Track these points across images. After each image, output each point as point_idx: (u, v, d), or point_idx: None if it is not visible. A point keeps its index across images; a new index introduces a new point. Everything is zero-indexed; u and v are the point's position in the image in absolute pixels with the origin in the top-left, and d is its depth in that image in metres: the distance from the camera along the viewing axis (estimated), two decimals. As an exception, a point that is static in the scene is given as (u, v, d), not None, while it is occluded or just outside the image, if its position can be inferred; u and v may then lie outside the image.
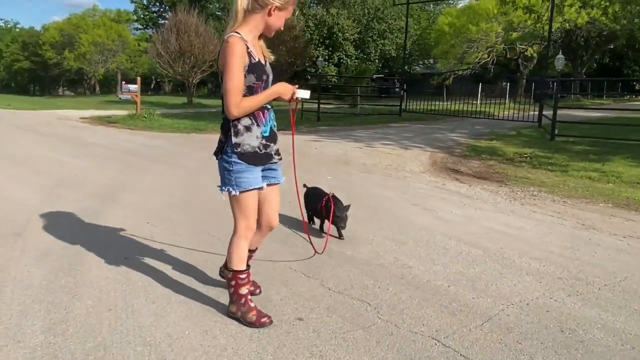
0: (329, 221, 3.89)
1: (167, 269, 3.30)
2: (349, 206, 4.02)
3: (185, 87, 29.81)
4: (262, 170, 2.55)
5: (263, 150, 2.49)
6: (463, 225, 4.52)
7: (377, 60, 37.20)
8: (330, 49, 34.99)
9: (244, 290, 2.57)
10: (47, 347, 2.32)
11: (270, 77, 2.53)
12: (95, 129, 14.00)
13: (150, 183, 6.28)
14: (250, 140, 2.44)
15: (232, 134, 2.42)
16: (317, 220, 4.32)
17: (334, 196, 4.03)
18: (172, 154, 9.07)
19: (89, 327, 2.52)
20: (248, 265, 2.63)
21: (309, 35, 33.80)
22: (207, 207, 4.97)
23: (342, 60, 35.44)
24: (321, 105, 18.20)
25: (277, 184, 2.68)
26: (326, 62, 34.11)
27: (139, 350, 2.31)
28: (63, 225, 4.24)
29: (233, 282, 2.57)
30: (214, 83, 57.47)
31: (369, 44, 36.53)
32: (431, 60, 38.72)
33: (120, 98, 32.24)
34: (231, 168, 2.44)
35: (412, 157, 9.35)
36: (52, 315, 2.64)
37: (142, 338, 2.42)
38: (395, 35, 36.94)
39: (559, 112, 12.11)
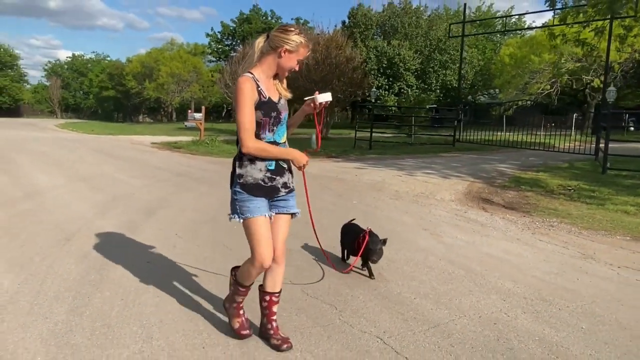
0: (358, 256, 3.78)
1: (178, 272, 3.87)
2: (385, 240, 3.83)
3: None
4: (272, 201, 2.66)
5: (268, 183, 2.59)
6: (461, 249, 4.77)
7: (438, 90, 37.24)
8: (390, 79, 35.52)
9: (238, 299, 2.80)
10: (66, 323, 2.93)
11: (283, 113, 2.63)
12: (160, 153, 15.28)
13: (188, 201, 7.00)
14: (254, 172, 2.57)
15: (237, 165, 2.60)
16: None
17: (370, 232, 3.86)
18: (218, 177, 9.86)
19: (101, 312, 3.11)
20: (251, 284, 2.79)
21: (370, 66, 34.64)
22: (231, 224, 5.55)
23: (402, 90, 35.83)
24: (378, 134, 18.63)
25: (287, 213, 2.73)
26: (386, 92, 34.70)
27: (134, 330, 2.86)
28: (105, 234, 4.98)
29: (232, 288, 2.82)
30: (289, 112, 59.82)
31: (430, 74, 36.74)
32: (496, 90, 38.18)
33: (185, 125, 34.13)
34: (236, 197, 2.61)
35: (448, 186, 9.51)
36: (76, 301, 3.26)
37: (139, 322, 2.97)
38: (458, 65, 36.91)
39: (623, 145, 11.78)
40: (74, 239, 4.77)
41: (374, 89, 21.89)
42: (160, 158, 13.60)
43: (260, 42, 2.59)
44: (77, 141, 19.86)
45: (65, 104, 78.41)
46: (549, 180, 10.57)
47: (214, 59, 54.17)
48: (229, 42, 53.49)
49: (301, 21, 56.48)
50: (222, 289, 3.35)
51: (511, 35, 39.89)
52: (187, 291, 3.48)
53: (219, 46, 53.83)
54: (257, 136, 2.54)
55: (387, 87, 34.38)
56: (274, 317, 2.79)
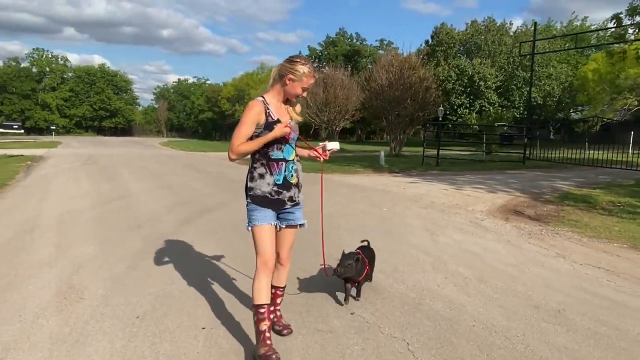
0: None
1: (208, 248, 5.15)
2: (359, 258, 3.61)
3: (333, 133, 32.92)
4: (280, 213, 2.89)
5: (275, 196, 2.81)
6: (445, 246, 5.57)
7: (521, 108, 36.38)
8: (471, 97, 35.39)
9: (262, 327, 2.75)
10: (123, 274, 4.30)
11: (292, 134, 2.85)
12: (240, 168, 17.10)
13: (239, 205, 8.37)
14: (262, 186, 2.80)
15: (249, 179, 2.86)
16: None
17: (361, 252, 3.74)
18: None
19: (137, 285, 4.42)
20: (271, 302, 2.86)
21: (451, 84, 34.86)
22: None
23: (484, 107, 35.52)
24: (450, 152, 19.08)
25: (294, 226, 2.97)
26: (467, 110, 34.60)
27: (152, 300, 4.13)
28: (165, 224, 6.46)
29: (254, 318, 2.80)
30: (364, 130, 61.08)
31: (514, 91, 36.06)
32: (585, 107, 36.46)
33: None
34: (247, 207, 2.87)
35: (488, 200, 9.99)
36: (131, 264, 4.65)
37: (159, 297, 4.19)
38: (543, 82, 35.85)
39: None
40: (143, 226, 6.29)
41: (440, 108, 22.34)
42: (238, 172, 15.32)
43: (275, 70, 2.86)
44: (172, 157, 22.55)
45: (170, 124, 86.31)
46: (600, 197, 10.56)
47: (300, 81, 56.90)
48: (316, 65, 56.28)
49: (385, 42, 57.76)
50: (248, 266, 4.55)
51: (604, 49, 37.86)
52: (210, 278, 4.74)
53: (306, 69, 56.56)
54: (266, 154, 2.79)
55: (467, 105, 34.28)
56: (278, 307, 3.15)
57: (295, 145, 2.94)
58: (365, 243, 4.11)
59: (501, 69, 36.91)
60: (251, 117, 2.72)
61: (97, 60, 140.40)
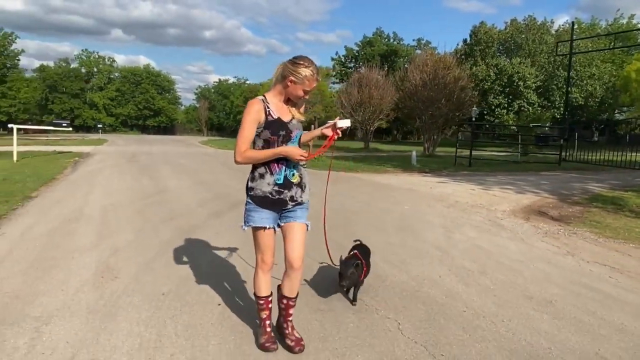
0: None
1: (229, 251, 5.59)
2: (358, 264, 3.53)
3: (366, 133, 33.08)
4: (282, 213, 2.86)
5: (275, 196, 2.78)
6: (459, 243, 5.80)
7: (561, 108, 35.47)
8: (510, 97, 34.83)
9: (262, 315, 2.95)
10: (155, 257, 4.78)
11: (294, 132, 2.82)
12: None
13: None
14: (262, 186, 2.78)
15: (249, 179, 2.84)
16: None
17: (352, 256, 3.74)
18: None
19: (164, 268, 4.90)
20: (270, 294, 2.96)
21: (489, 84, 34.39)
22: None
23: (522, 107, 34.88)
24: (488, 153, 18.94)
25: (296, 222, 2.87)
26: (504, 110, 34.06)
27: (176, 281, 4.58)
28: (198, 216, 6.96)
29: (256, 307, 3.00)
30: (400, 130, 60.84)
31: (554, 91, 35.22)
32: (631, 108, 35.19)
33: None
34: (245, 207, 2.86)
35: (514, 200, 10.03)
36: (161, 250, 5.13)
37: (183, 279, 4.69)
38: (585, 82, 34.84)
39: None
40: (176, 218, 6.81)
41: (474, 108, 22.21)
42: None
43: (278, 69, 2.81)
44: (210, 155, 23.36)
45: (211, 123, 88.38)
46: (632, 200, 10.43)
47: (337, 81, 57.55)
48: (352, 65, 56.52)
49: (422, 41, 57.35)
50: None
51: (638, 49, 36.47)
52: (226, 276, 5.17)
53: (343, 68, 57.16)
54: None
55: (505, 105, 33.76)
56: (290, 318, 2.98)
57: (300, 143, 2.89)
58: (358, 242, 4.08)
59: (542, 68, 36.11)
60: (251, 116, 2.71)
61: (142, 60, 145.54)
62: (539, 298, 3.88)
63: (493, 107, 33.78)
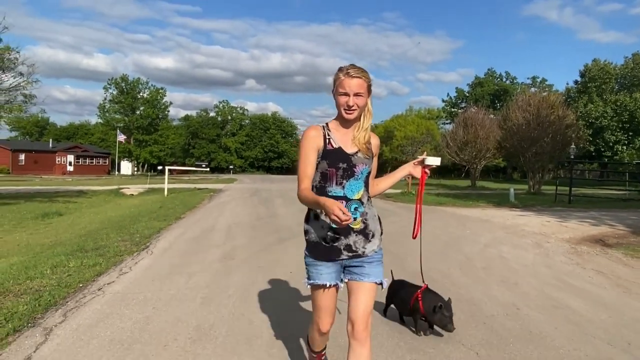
0: (427, 321, 3.65)
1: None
2: (448, 301, 3.62)
3: (469, 172, 33.73)
4: (347, 267, 2.42)
5: (330, 243, 2.36)
6: (487, 254, 7.31)
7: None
8: (630, 133, 33.20)
9: None
10: (252, 256, 7.14)
11: (359, 167, 2.36)
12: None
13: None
14: (316, 229, 2.39)
15: (305, 220, 2.45)
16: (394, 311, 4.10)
17: (427, 290, 3.75)
18: (397, 214, 13.44)
19: (264, 256, 7.20)
20: (325, 348, 2.76)
21: (606, 121, 33.22)
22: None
23: (647, 144, 32.98)
24: (601, 192, 18.59)
25: (362, 282, 2.39)
26: (625, 147, 32.50)
27: (270, 261, 6.83)
28: (293, 233, 9.27)
29: (307, 355, 2.85)
30: (516, 167, 59.03)
31: (685, 126, 32.81)
32: None
33: None
34: (305, 260, 2.47)
35: (582, 231, 10.52)
36: (257, 250, 7.47)
37: (274, 261, 6.93)
38: None
39: None
40: (279, 232, 9.23)
41: (572, 146, 22.19)
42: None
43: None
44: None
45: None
46: None
47: (447, 122, 58.41)
48: (463, 106, 57.15)
49: (538, 79, 56.07)
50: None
51: None
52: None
53: (453, 109, 58.01)
54: (323, 189, 2.36)
55: (625, 141, 32.24)
56: None
57: (367, 182, 2.43)
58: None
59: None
60: (307, 145, 2.35)
61: (271, 107, 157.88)
62: (511, 283, 5.46)
63: (611, 143, 32.30)
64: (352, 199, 2.36)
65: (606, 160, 31.52)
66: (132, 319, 3.96)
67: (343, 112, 2.36)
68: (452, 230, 10.28)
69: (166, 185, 21.71)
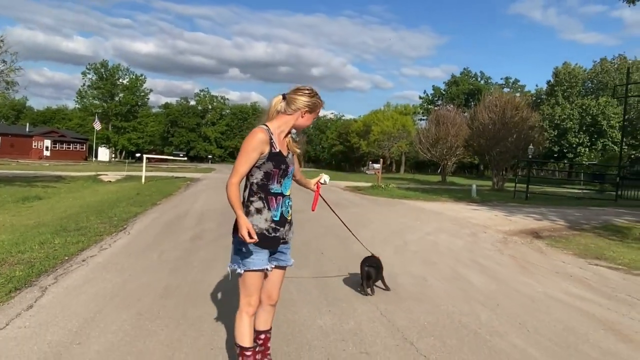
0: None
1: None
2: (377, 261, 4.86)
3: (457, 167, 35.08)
4: (273, 253, 2.75)
5: (272, 234, 2.66)
6: (421, 238, 8.39)
7: (651, 147, 34.74)
8: (595, 136, 34.97)
9: None
10: (220, 237, 8.09)
11: (291, 167, 2.74)
12: (341, 193, 20.68)
13: (327, 221, 11.90)
14: (259, 222, 2.63)
15: (246, 214, 2.60)
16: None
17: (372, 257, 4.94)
18: (360, 206, 14.49)
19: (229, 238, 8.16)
20: (255, 344, 2.79)
21: (571, 123, 34.87)
22: (344, 238, 10.15)
23: (607, 146, 34.77)
24: (564, 190, 19.81)
25: (284, 267, 2.86)
26: (586, 149, 34.24)
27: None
28: (219, 222, 10.22)
29: (240, 358, 2.73)
30: (487, 165, 61.05)
31: (642, 130, 34.70)
32: None
33: (367, 173, 40.45)
34: (239, 247, 2.65)
35: (523, 224, 11.47)
36: (224, 232, 8.41)
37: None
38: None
39: None
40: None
41: (530, 147, 23.72)
42: (340, 195, 18.81)
43: (277, 101, 2.72)
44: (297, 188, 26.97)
45: (308, 156, 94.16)
46: (638, 229, 11.61)
47: (423, 118, 59.99)
48: (440, 103, 58.70)
49: (510, 80, 57.88)
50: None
51: None
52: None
53: (430, 106, 59.59)
54: (266, 186, 2.65)
55: (588, 143, 34.01)
56: (269, 352, 2.93)
57: (293, 178, 2.86)
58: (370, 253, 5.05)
59: (633, 108, 35.66)
60: (255, 146, 2.58)
61: (253, 97, 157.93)
62: (429, 261, 6.53)
63: (574, 145, 33.98)
64: (286, 195, 2.75)
65: (565, 161, 33.30)
66: (112, 282, 4.88)
67: (299, 129, 2.84)
68: (405, 220, 11.36)
69: (144, 173, 22.41)
